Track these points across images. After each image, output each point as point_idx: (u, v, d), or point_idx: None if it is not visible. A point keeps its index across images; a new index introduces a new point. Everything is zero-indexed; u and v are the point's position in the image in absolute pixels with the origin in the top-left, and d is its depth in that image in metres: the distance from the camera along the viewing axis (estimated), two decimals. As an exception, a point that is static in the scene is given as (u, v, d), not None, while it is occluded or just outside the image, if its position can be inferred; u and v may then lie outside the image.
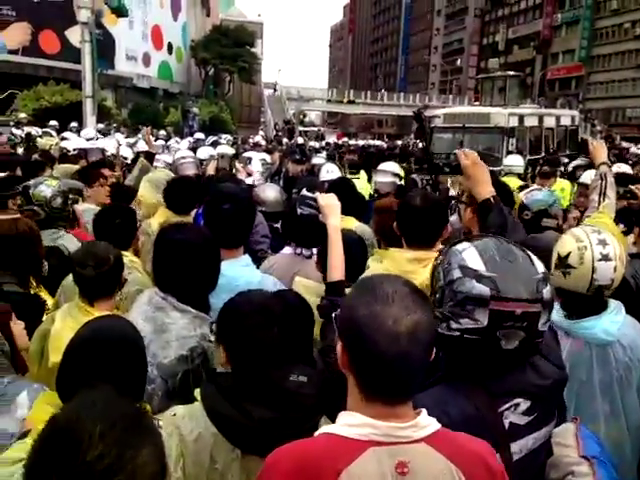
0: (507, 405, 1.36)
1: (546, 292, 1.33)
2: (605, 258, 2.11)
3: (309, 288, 2.15)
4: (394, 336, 1.06)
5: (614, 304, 2.18)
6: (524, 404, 1.37)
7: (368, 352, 1.08)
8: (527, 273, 1.33)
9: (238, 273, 2.25)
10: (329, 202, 2.09)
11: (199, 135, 12.76)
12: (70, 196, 3.57)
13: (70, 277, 2.71)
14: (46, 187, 3.37)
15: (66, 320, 2.19)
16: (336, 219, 2.05)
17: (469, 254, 1.36)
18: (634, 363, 2.08)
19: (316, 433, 1.15)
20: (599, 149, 3.46)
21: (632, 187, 3.93)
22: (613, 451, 2.04)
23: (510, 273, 1.32)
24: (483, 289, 1.30)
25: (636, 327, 2.17)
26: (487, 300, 1.29)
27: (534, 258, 1.39)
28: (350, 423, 1.10)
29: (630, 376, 2.08)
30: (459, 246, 1.40)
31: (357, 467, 1.05)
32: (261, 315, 1.48)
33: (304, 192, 2.31)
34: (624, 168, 6.17)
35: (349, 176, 5.84)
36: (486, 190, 1.99)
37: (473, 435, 1.19)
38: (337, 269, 1.97)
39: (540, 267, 1.37)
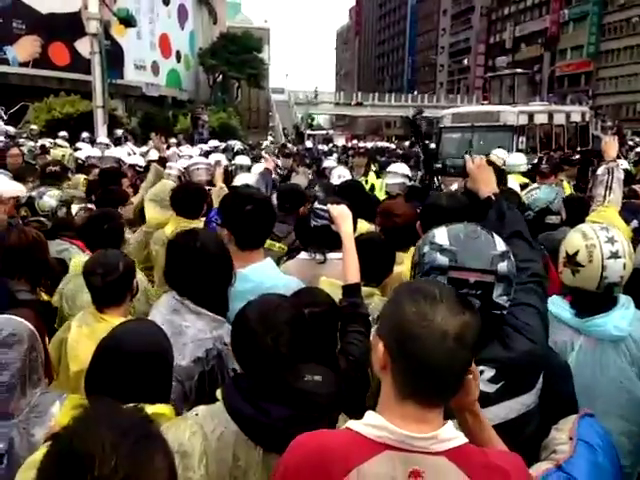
0: None
1: (501, 266, 1.47)
2: (614, 255, 2.12)
3: (336, 285, 2.19)
4: (442, 334, 1.08)
5: (623, 299, 2.18)
6: (488, 372, 1.47)
7: (413, 349, 1.09)
8: (485, 248, 1.50)
9: (264, 276, 2.26)
10: (341, 212, 2.22)
11: (214, 142, 12.77)
12: (75, 206, 3.62)
13: (70, 284, 2.77)
14: (50, 197, 3.43)
15: (81, 328, 2.23)
16: (349, 227, 2.18)
17: (439, 233, 1.55)
18: None
19: (343, 425, 1.17)
20: (611, 146, 3.51)
21: (636, 187, 3.94)
22: (632, 445, 2.05)
23: (469, 247, 1.49)
24: (443, 259, 1.49)
25: None
26: (446, 269, 1.47)
27: (497, 239, 1.54)
28: (370, 423, 1.11)
29: None
30: (436, 229, 1.58)
31: (369, 467, 1.07)
32: (258, 322, 1.50)
33: (316, 204, 2.35)
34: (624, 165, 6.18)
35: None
36: (488, 189, 2.10)
37: None
38: (353, 273, 2.07)
39: (501, 246, 1.52)
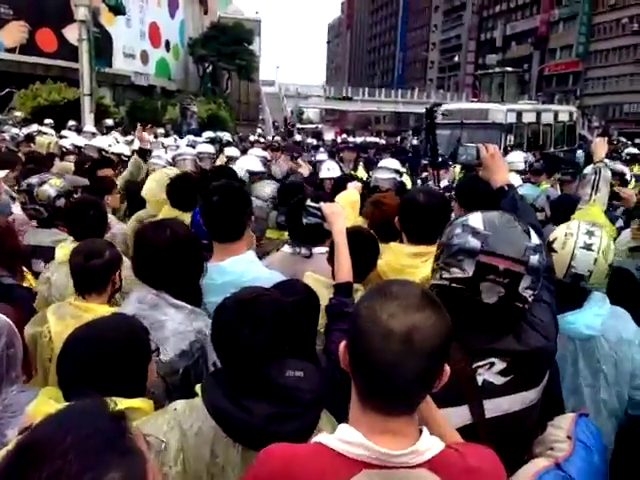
0: (482, 362, 1.43)
1: (533, 259, 1.43)
2: (587, 247, 2.13)
3: (320, 281, 2.17)
4: (386, 333, 1.01)
5: (598, 296, 2.18)
6: (499, 364, 1.44)
7: (361, 348, 1.04)
8: (520, 239, 1.45)
9: (245, 269, 2.23)
10: (333, 210, 2.18)
11: (209, 133, 12.60)
12: (75, 195, 3.57)
13: (57, 272, 2.74)
14: (50, 187, 3.36)
15: (66, 320, 2.16)
16: (341, 225, 2.13)
17: (474, 217, 1.50)
18: (619, 357, 2.09)
19: (314, 438, 1.11)
20: (600, 147, 3.56)
21: (616, 188, 3.98)
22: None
23: (504, 235, 1.45)
24: (475, 242, 1.43)
25: (623, 320, 2.17)
26: (476, 252, 1.42)
27: (532, 232, 1.49)
28: (345, 439, 1.05)
29: (615, 370, 2.09)
30: (470, 214, 1.53)
31: None
32: (236, 313, 1.47)
33: (309, 202, 2.34)
34: (618, 167, 6.31)
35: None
36: (501, 179, 2.09)
37: (443, 386, 1.18)
38: (345, 272, 2.04)
39: (535, 239, 1.47)
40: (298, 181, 5.06)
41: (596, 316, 2.11)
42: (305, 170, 5.72)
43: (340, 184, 4.54)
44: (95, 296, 2.25)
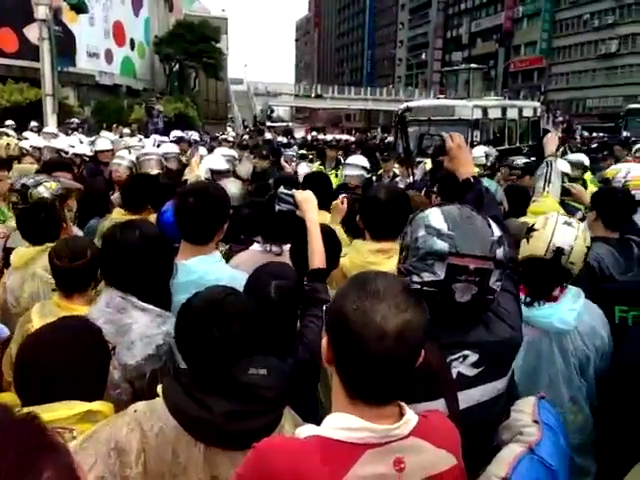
0: (456, 356, 1.45)
1: (499, 252, 1.45)
2: (568, 224, 2.19)
3: None
4: (381, 334, 1.05)
5: (574, 290, 2.22)
6: (472, 356, 1.46)
7: (353, 349, 1.07)
8: (483, 234, 1.46)
9: (208, 269, 2.22)
10: (306, 197, 2.18)
11: (177, 132, 12.41)
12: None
13: (11, 277, 2.68)
14: (45, 189, 3.28)
15: (48, 319, 2.09)
16: (314, 213, 2.15)
17: (434, 215, 1.49)
18: (591, 350, 2.14)
19: (301, 432, 1.13)
20: (552, 141, 3.65)
21: (567, 185, 4.07)
22: (576, 434, 2.12)
23: (468, 233, 1.44)
24: (443, 245, 1.42)
25: (594, 313, 2.22)
26: (445, 255, 1.42)
27: (492, 223, 1.50)
28: (345, 426, 1.08)
29: (587, 363, 2.14)
30: (428, 210, 1.53)
31: (357, 471, 1.05)
32: (205, 313, 1.45)
33: (281, 189, 2.34)
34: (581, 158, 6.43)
35: None
36: (467, 170, 2.11)
37: (421, 381, 1.24)
38: (318, 258, 2.06)
39: (497, 231, 1.49)
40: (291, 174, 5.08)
41: (570, 311, 2.14)
42: (289, 171, 5.75)
43: (312, 179, 4.46)
44: (78, 296, 2.25)
